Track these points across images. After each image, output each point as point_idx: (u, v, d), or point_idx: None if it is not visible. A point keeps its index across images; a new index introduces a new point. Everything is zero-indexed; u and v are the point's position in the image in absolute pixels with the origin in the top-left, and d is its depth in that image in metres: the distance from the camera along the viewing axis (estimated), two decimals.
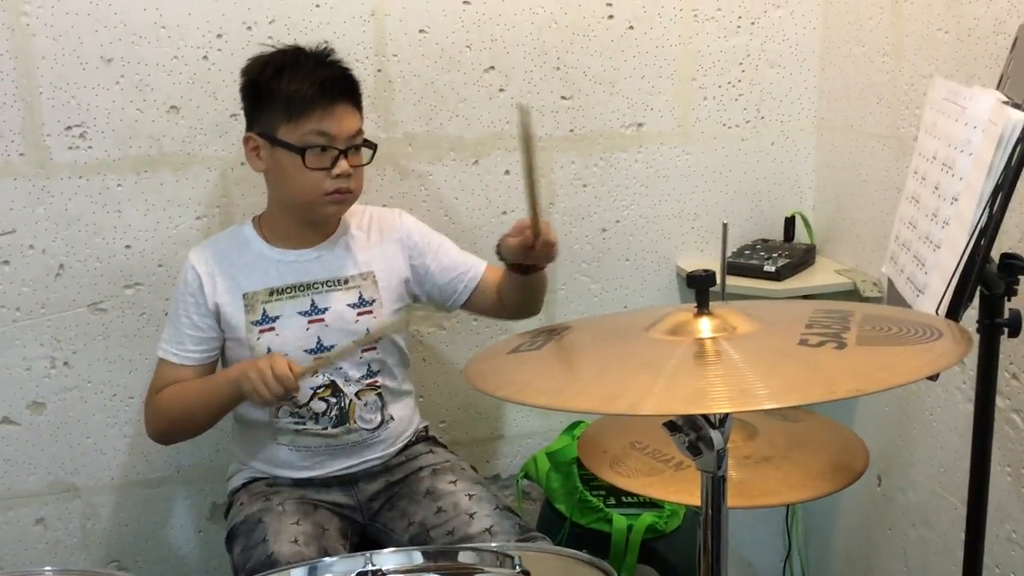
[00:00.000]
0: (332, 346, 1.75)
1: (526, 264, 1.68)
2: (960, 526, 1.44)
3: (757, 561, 2.45)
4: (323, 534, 1.67)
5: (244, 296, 1.74)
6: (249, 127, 1.73)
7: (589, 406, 0.97)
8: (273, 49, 1.73)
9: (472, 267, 1.87)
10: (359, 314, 1.77)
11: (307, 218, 1.76)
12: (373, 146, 1.77)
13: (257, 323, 1.73)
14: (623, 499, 2.02)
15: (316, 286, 1.76)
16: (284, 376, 1.60)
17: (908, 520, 2.06)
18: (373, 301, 1.79)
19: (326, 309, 1.76)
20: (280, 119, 1.66)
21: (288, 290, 1.75)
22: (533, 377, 1.08)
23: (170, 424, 1.76)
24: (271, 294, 1.75)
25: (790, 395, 0.93)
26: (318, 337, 1.75)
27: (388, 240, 1.84)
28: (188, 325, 1.74)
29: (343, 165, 1.68)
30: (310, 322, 1.75)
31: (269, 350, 1.72)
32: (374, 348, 1.79)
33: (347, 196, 1.71)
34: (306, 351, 1.74)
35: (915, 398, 2.00)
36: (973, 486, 1.41)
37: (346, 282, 1.78)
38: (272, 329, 1.73)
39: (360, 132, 1.73)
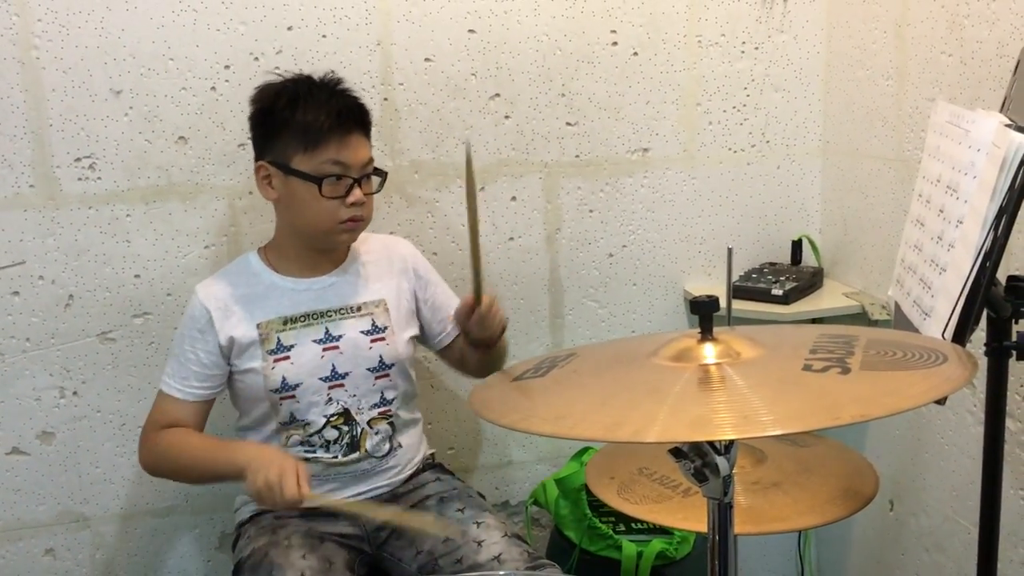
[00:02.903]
0: (347, 373, 1.76)
1: (476, 338, 1.73)
2: (974, 550, 1.43)
3: None
4: (330, 568, 1.66)
5: (258, 326, 1.74)
6: (259, 156, 1.74)
7: (593, 434, 0.97)
8: (282, 78, 1.75)
9: None
10: (372, 341, 1.78)
11: (319, 246, 1.77)
12: (383, 174, 1.79)
13: (272, 352, 1.73)
14: (633, 525, 2.00)
15: (330, 314, 1.77)
16: (293, 502, 1.54)
17: (921, 545, 2.04)
18: (386, 328, 1.80)
19: (340, 336, 1.76)
20: (295, 149, 1.67)
21: (302, 318, 1.76)
22: (537, 405, 1.07)
23: (162, 468, 1.75)
24: (285, 323, 1.75)
25: (794, 421, 0.93)
26: (333, 364, 1.75)
27: (396, 270, 1.86)
28: (194, 361, 1.73)
29: (357, 194, 1.69)
30: (325, 350, 1.75)
31: (284, 380, 1.72)
32: (387, 376, 1.80)
33: (359, 224, 1.73)
34: (321, 379, 1.74)
35: (926, 422, 1.98)
36: (984, 510, 1.39)
37: (359, 309, 1.79)
38: (287, 358, 1.73)
39: (371, 160, 1.75)
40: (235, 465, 1.61)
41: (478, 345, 1.78)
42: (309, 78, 1.74)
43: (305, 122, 1.66)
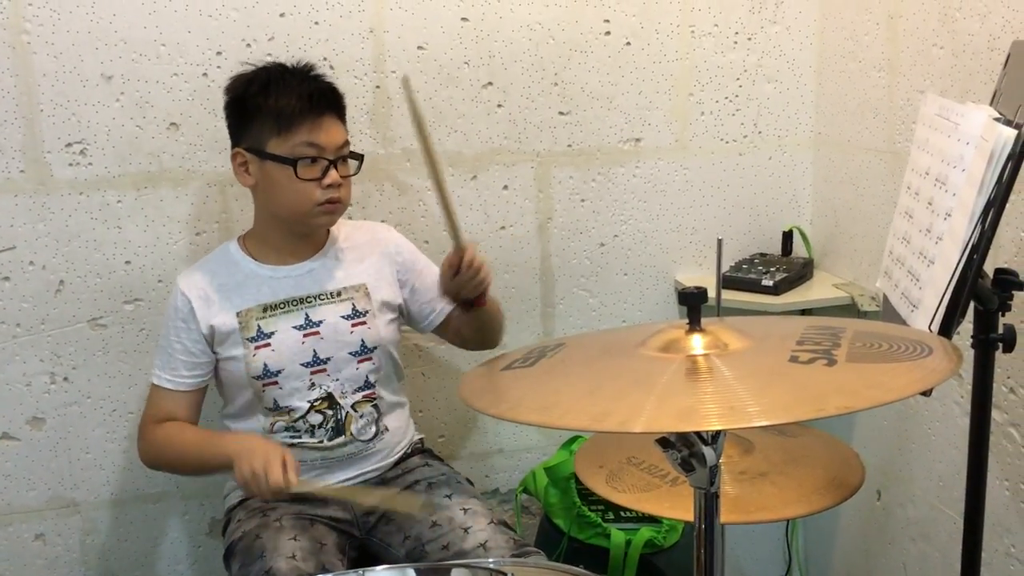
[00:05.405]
0: (328, 359, 1.76)
1: (465, 297, 1.73)
2: (959, 540, 1.44)
3: None
4: (321, 549, 1.68)
5: (238, 314, 1.75)
6: (236, 143, 1.75)
7: (580, 424, 0.97)
8: (254, 67, 1.75)
9: None
10: (353, 325, 1.78)
11: (298, 230, 1.78)
12: (360, 157, 1.80)
13: (252, 340, 1.74)
14: (621, 514, 2.01)
15: (309, 300, 1.78)
16: (278, 489, 1.57)
17: (908, 535, 2.05)
18: (366, 312, 1.80)
19: (320, 322, 1.77)
20: (269, 133, 1.69)
21: (282, 305, 1.76)
22: (525, 394, 1.08)
23: (161, 461, 1.79)
24: (265, 310, 1.76)
25: (780, 412, 0.94)
26: (314, 350, 1.76)
27: (378, 253, 1.86)
28: (180, 351, 1.74)
29: (333, 175, 1.70)
30: (305, 335, 1.76)
31: (266, 366, 1.73)
32: (370, 359, 1.80)
33: (337, 206, 1.74)
34: (302, 365, 1.75)
35: (913, 413, 2.00)
36: (969, 501, 1.40)
37: (339, 294, 1.80)
38: (268, 345, 1.74)
39: (347, 143, 1.75)
40: (224, 456, 1.64)
41: (468, 306, 1.77)
42: (281, 65, 1.75)
43: (278, 106, 1.68)
